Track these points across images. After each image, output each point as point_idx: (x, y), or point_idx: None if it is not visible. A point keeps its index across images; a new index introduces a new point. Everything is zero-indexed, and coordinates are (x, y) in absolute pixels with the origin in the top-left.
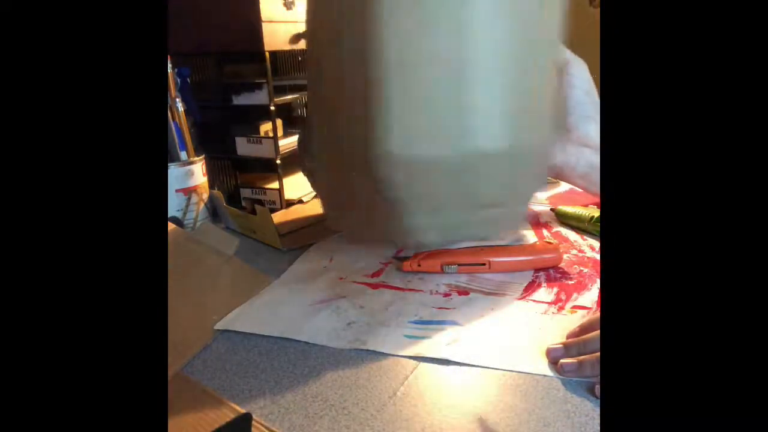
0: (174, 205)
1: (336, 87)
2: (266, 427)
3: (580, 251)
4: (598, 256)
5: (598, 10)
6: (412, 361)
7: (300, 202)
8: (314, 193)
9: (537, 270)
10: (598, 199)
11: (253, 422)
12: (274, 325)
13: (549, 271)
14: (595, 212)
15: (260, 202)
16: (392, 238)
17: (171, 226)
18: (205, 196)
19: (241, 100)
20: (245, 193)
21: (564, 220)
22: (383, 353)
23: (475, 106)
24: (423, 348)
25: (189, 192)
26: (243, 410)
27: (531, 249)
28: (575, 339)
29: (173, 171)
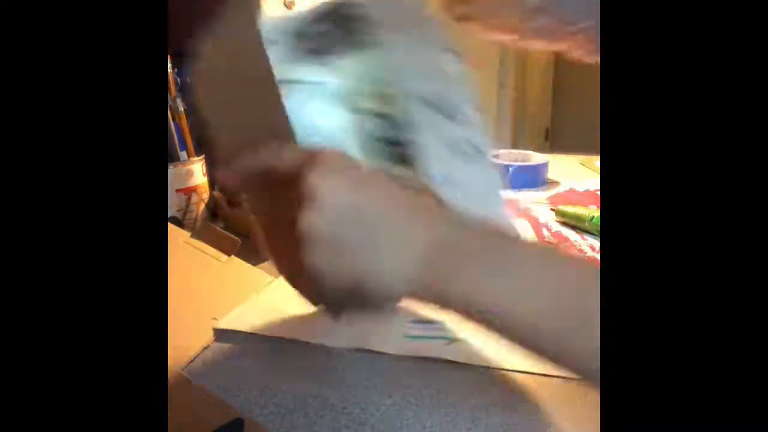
0: (174, 205)
1: None
2: (264, 428)
3: (580, 251)
4: (598, 256)
5: None
6: (411, 361)
7: None
8: None
9: None
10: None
11: (252, 423)
12: (275, 325)
13: None
14: (595, 212)
15: None
16: None
17: (171, 226)
18: (205, 196)
19: None
20: None
21: (564, 220)
22: (383, 353)
23: None
24: (423, 348)
25: (189, 192)
26: (242, 411)
27: None
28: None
29: (173, 171)
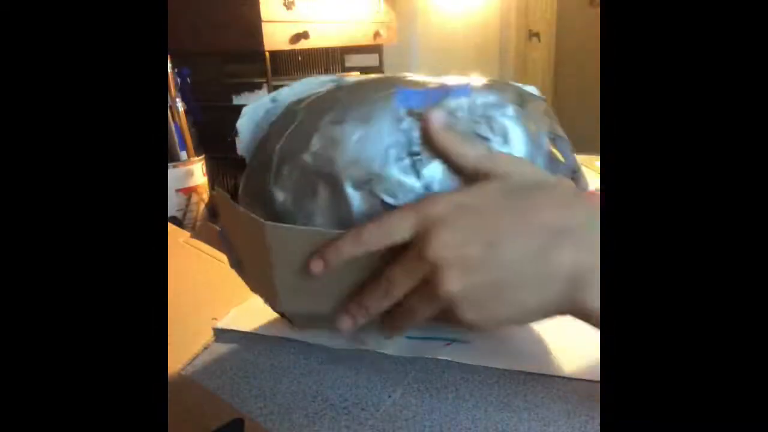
0: (174, 205)
1: None
2: (264, 428)
3: None
4: None
5: (598, 10)
6: (412, 361)
7: None
8: None
9: None
10: None
11: (252, 423)
12: (275, 324)
13: None
14: None
15: None
16: None
17: (171, 226)
18: (205, 196)
19: (241, 100)
20: None
21: None
22: (383, 353)
23: None
24: (423, 348)
25: (189, 192)
26: (242, 411)
27: None
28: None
29: (173, 171)
